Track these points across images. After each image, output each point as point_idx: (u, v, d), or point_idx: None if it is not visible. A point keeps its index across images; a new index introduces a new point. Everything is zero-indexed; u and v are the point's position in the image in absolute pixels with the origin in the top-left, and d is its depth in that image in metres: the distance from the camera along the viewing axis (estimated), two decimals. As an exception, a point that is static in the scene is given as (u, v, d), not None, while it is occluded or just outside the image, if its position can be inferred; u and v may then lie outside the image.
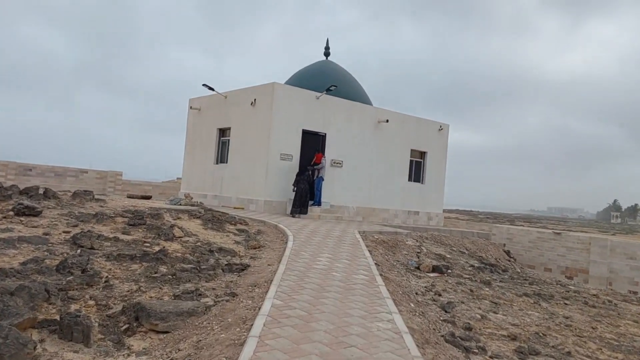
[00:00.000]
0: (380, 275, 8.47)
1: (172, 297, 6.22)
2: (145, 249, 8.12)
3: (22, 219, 8.64)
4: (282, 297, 6.15)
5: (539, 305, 10.25)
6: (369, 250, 10.77)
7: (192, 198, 14.02)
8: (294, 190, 16.08)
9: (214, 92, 18.29)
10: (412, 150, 19.75)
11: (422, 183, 20.25)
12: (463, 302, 9.04)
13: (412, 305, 7.45)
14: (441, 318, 7.60)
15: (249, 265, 8.39)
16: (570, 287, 15.50)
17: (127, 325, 5.38)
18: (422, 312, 7.20)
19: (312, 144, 16.98)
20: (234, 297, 6.35)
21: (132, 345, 5.08)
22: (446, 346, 5.83)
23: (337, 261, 8.84)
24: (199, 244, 9.26)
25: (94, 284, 6.28)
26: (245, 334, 4.83)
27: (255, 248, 9.94)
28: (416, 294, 8.81)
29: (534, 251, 20.59)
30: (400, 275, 9.78)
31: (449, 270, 11.97)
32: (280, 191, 16.15)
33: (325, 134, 17.21)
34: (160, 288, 6.56)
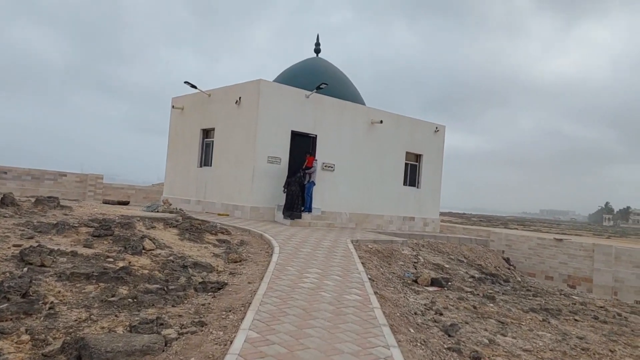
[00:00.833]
0: (375, 293, 7.49)
1: (128, 329, 5.19)
2: (106, 265, 7.07)
3: (-34, 230, 7.57)
4: (259, 328, 5.15)
5: (549, 323, 9.32)
6: (362, 263, 9.78)
7: (170, 204, 12.98)
8: (284, 192, 15.10)
9: (197, 90, 17.26)
10: (407, 152, 18.82)
11: (417, 187, 19.31)
12: (467, 323, 8.08)
13: (412, 331, 6.46)
14: (445, 345, 6.62)
15: (226, 284, 7.37)
16: (574, 297, 14.63)
17: (64, 370, 4.35)
18: (424, 341, 6.22)
19: (302, 146, 16.00)
20: (202, 326, 5.33)
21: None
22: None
23: (327, 277, 7.84)
24: (171, 258, 8.22)
25: (34, 312, 5.24)
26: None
27: (236, 262, 8.93)
28: (415, 314, 7.83)
29: (534, 258, 19.73)
30: (397, 292, 8.80)
31: (449, 283, 11.02)
32: (267, 197, 15.14)
33: (316, 135, 16.23)
34: (115, 316, 5.53)
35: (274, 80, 17.60)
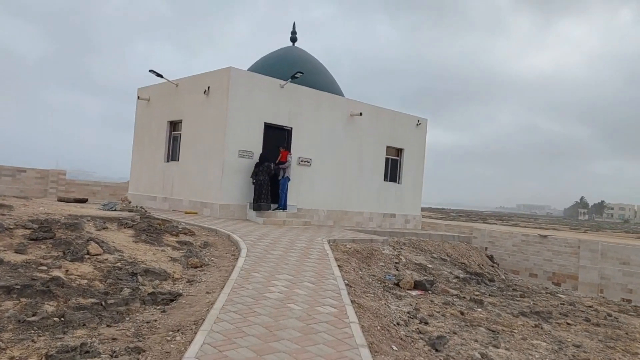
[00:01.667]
0: (353, 302, 6.57)
1: (44, 359, 4.16)
2: (36, 275, 5.99)
3: None
4: (209, 354, 4.17)
5: (541, 329, 8.56)
6: (339, 266, 8.85)
7: (130, 202, 11.84)
8: (253, 183, 14.08)
9: (164, 80, 16.08)
10: (387, 147, 17.95)
11: (398, 183, 18.48)
12: (455, 333, 7.23)
13: (395, 348, 5.54)
14: (433, 364, 5.75)
15: (180, 294, 6.36)
16: (560, 296, 14.01)
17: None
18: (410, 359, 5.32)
19: (276, 140, 14.98)
20: (138, 354, 4.32)
21: None
22: None
23: (299, 285, 6.88)
24: (119, 264, 7.16)
25: None
26: None
27: (196, 267, 7.90)
28: (398, 324, 6.94)
29: (518, 255, 19.12)
30: (377, 299, 7.89)
31: (434, 286, 10.17)
32: (239, 193, 14.09)
33: (291, 128, 15.23)
34: (32, 341, 4.48)
35: (247, 70, 16.51)
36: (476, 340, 7.05)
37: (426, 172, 19.37)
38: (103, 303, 5.55)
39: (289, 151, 14.73)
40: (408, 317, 7.50)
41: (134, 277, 6.72)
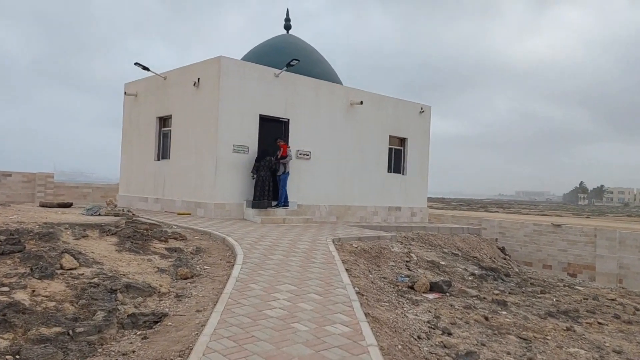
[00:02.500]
0: (367, 316, 5.66)
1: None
2: (-6, 299, 5.06)
3: None
4: (194, 405, 3.25)
5: (574, 332, 7.71)
6: (347, 270, 7.93)
7: (115, 205, 10.90)
8: (253, 178, 13.18)
9: (150, 74, 15.10)
10: (390, 136, 17.00)
11: (403, 174, 17.55)
12: (484, 345, 6.34)
13: (423, 373, 4.64)
14: (468, 390, 4.85)
15: (166, 315, 5.44)
16: (579, 288, 13.17)
17: None
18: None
19: (273, 132, 14.03)
20: (105, 405, 3.41)
21: None
22: None
23: (303, 297, 5.96)
24: (96, 279, 6.22)
25: None
26: None
27: (186, 278, 6.98)
28: (419, 338, 6.04)
29: (530, 246, 18.23)
30: (392, 307, 6.98)
31: (450, 287, 9.27)
32: (234, 191, 13.15)
33: (288, 119, 14.27)
34: (-27, 391, 3.57)
35: (240, 60, 15.50)
36: (509, 353, 6.17)
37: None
38: (70, 332, 4.62)
39: (288, 144, 13.78)
40: (429, 327, 6.60)
41: (113, 295, 5.79)
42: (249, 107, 13.37)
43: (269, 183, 13.28)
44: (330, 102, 15.22)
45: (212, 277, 7.08)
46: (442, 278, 9.93)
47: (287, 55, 14.33)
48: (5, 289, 5.42)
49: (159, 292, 6.33)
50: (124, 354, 4.39)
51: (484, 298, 9.27)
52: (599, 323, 8.70)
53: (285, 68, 13.50)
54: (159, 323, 5.24)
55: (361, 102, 15.39)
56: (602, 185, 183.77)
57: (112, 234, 8.42)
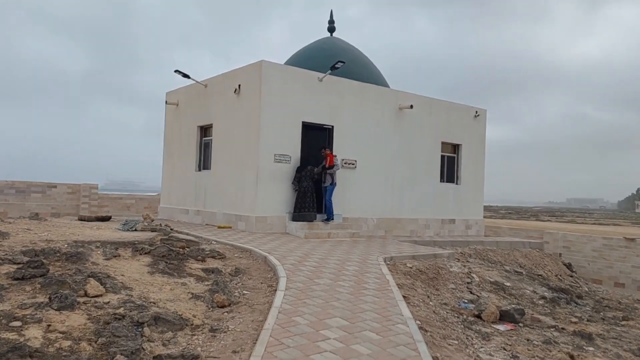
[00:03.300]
0: (435, 361, 4.64)
1: None
2: (2, 336, 4.38)
3: None
4: None
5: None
6: (404, 297, 6.91)
7: (152, 219, 10.31)
8: (295, 190, 12.37)
9: (191, 81, 14.62)
10: (443, 143, 15.82)
11: (457, 183, 16.30)
12: (581, 397, 5.17)
13: None
14: None
15: (197, 357, 4.61)
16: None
17: None
18: None
19: (316, 140, 13.20)
20: None
21: None
22: None
23: (357, 336, 5.00)
24: (122, 309, 5.49)
25: None
26: None
27: (223, 306, 6.16)
28: (499, 388, 4.96)
29: (599, 262, 16.51)
30: (462, 345, 5.90)
31: (524, 316, 8.06)
32: (276, 203, 12.37)
33: (333, 126, 13.39)
34: None
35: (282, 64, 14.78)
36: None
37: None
38: (82, 384, 3.86)
39: (333, 153, 12.88)
40: (508, 372, 5.50)
41: (139, 330, 5.03)
42: (292, 114, 12.59)
43: (311, 194, 12.47)
44: (378, 107, 14.24)
45: (252, 305, 6.23)
46: (512, 305, 8.70)
47: (331, 59, 13.46)
48: (17, 323, 4.74)
49: (192, 324, 5.53)
50: (142, 415, 3.57)
51: (563, 329, 8.01)
52: None
53: (329, 71, 12.65)
54: (188, 368, 4.42)
55: (411, 106, 14.32)
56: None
57: (146, 253, 7.75)
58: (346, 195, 13.53)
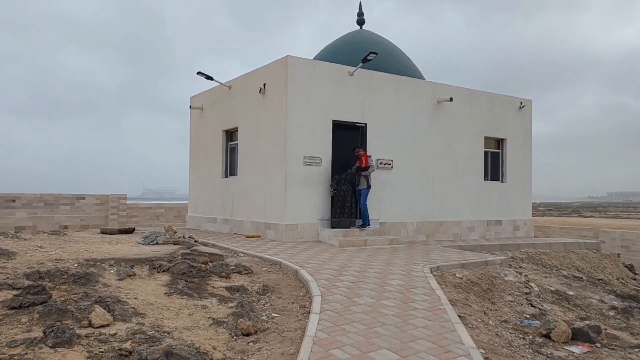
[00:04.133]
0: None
1: None
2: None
3: None
4: None
5: None
6: (460, 317, 5.87)
7: (175, 232, 9.57)
8: (332, 193, 11.47)
9: (215, 84, 13.93)
10: (486, 138, 14.60)
11: (502, 181, 15.03)
12: None
13: None
14: None
15: (213, 407, 3.72)
16: None
17: None
18: None
19: (348, 140, 12.26)
20: None
21: None
22: None
23: (411, 376, 4.01)
24: (130, 343, 4.67)
25: None
26: None
27: (248, 334, 5.28)
28: None
29: (666, 263, 14.93)
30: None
31: (599, 335, 6.87)
32: (307, 210, 11.47)
33: (365, 124, 12.42)
34: None
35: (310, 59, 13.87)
36: None
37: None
38: None
39: (367, 153, 11.90)
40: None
41: (146, 369, 4.19)
42: (321, 113, 11.68)
43: (350, 199, 11.55)
44: (414, 101, 13.17)
45: (282, 331, 5.32)
46: (585, 322, 7.47)
47: (361, 53, 12.45)
48: (3, 364, 3.98)
49: (211, 359, 4.66)
50: None
51: (650, 350, 6.78)
52: None
53: (360, 64, 11.69)
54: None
55: (450, 99, 13.19)
56: None
57: (164, 271, 6.96)
58: (382, 199, 12.51)
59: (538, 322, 7.06)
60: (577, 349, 6.26)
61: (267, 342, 5.07)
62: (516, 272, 9.97)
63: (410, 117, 13.11)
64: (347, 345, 4.66)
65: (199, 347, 4.81)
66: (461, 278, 8.36)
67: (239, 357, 4.74)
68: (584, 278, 11.73)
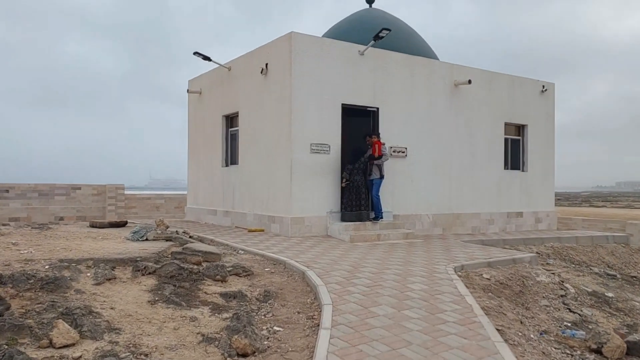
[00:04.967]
0: None
1: None
2: None
3: None
4: None
5: None
6: (499, 331, 4.91)
7: (167, 226, 8.63)
8: (344, 184, 10.52)
9: (214, 65, 12.94)
10: (506, 124, 13.54)
11: (523, 170, 13.99)
12: None
13: None
14: None
15: None
16: None
17: None
18: None
19: (359, 126, 11.27)
20: None
21: None
22: None
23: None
24: (95, 370, 3.75)
25: None
26: None
27: (245, 355, 4.34)
28: None
29: (700, 258, 13.85)
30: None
31: (658, 348, 5.87)
32: (315, 201, 10.51)
33: (377, 108, 11.39)
34: None
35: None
36: None
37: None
38: None
39: (380, 140, 10.89)
40: None
41: (112, 410, 3.26)
42: (329, 96, 10.67)
43: (365, 190, 10.59)
44: (430, 84, 12.12)
45: (285, 352, 4.38)
46: (620, 319, 6.51)
47: (371, 32, 11.33)
48: None
49: (197, 391, 3.73)
50: None
51: None
52: None
53: (372, 42, 10.64)
54: None
55: (469, 82, 12.12)
56: None
57: (150, 273, 6.02)
58: (396, 189, 11.52)
59: (583, 332, 6.09)
60: (635, 368, 5.29)
61: (268, 366, 4.13)
62: (547, 270, 8.97)
63: (426, 101, 12.07)
64: (367, 374, 3.71)
65: (183, 374, 3.88)
66: (489, 279, 7.38)
67: (232, 388, 3.80)
68: (618, 276, 10.72)
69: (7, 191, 17.17)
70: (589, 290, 8.42)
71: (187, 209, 15.18)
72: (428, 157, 12.09)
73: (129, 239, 8.17)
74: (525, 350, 4.80)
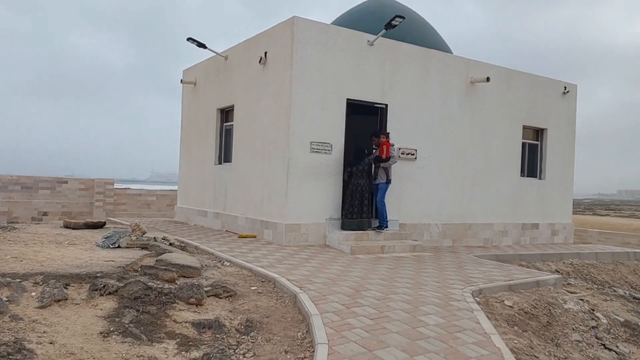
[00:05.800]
0: None
1: None
2: None
3: None
4: None
5: None
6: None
7: (144, 232, 7.59)
8: (344, 186, 9.52)
9: (210, 53, 11.90)
10: (524, 127, 12.47)
11: (540, 178, 12.93)
12: None
13: None
14: None
15: None
16: None
17: None
18: None
19: (365, 124, 10.23)
20: None
21: None
22: None
23: None
24: None
25: None
26: None
27: (210, 419, 3.30)
28: None
29: None
30: None
31: None
32: (313, 207, 9.47)
33: (386, 105, 10.34)
34: None
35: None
36: None
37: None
38: None
39: (389, 140, 9.83)
40: None
41: None
42: (333, 89, 9.62)
43: (368, 195, 9.55)
44: (444, 80, 11.06)
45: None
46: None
47: (381, 23, 10.24)
48: None
49: None
50: None
51: None
52: None
53: (383, 31, 9.58)
54: None
55: (487, 79, 11.06)
56: None
57: (110, 293, 4.99)
58: (403, 195, 10.48)
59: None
60: None
61: None
62: (571, 293, 7.92)
63: (439, 98, 11.01)
64: None
65: None
66: (512, 307, 6.34)
67: None
68: (645, 299, 9.67)
69: (-13, 183, 16.18)
70: (621, 320, 7.37)
71: (176, 208, 14.16)
72: (439, 160, 11.04)
73: (99, 245, 7.14)
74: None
